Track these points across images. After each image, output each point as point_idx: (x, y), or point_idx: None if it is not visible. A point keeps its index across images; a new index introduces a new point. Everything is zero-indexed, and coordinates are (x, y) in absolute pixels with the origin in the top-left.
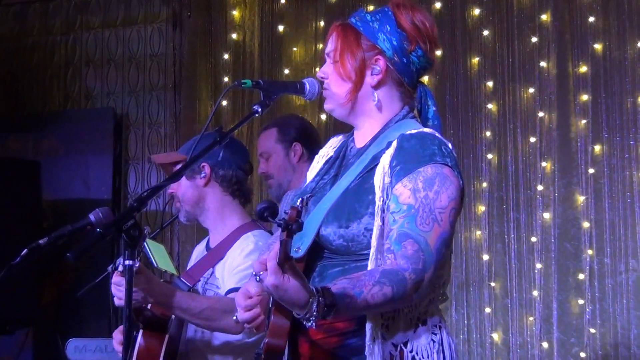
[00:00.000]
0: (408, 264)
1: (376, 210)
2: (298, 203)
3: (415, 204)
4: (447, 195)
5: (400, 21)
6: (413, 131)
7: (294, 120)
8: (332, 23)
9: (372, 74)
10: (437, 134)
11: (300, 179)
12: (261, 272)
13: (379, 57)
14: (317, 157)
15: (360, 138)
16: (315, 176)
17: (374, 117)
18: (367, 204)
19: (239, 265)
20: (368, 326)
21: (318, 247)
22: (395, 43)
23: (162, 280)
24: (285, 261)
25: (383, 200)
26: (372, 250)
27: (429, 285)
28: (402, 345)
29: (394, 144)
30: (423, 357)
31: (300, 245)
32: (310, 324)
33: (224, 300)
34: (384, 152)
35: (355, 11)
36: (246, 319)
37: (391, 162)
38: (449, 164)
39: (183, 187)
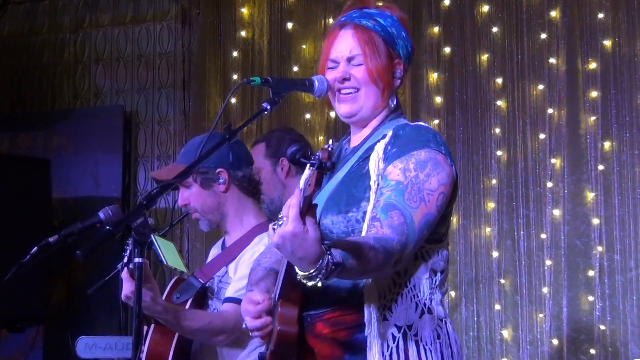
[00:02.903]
0: (394, 235)
1: (371, 195)
2: (328, 144)
3: (404, 181)
4: (437, 180)
5: (407, 30)
6: (410, 123)
7: (282, 134)
8: (343, 21)
9: (394, 78)
10: (430, 127)
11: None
12: (284, 217)
13: (399, 61)
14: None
15: (358, 138)
16: None
17: (379, 117)
18: (364, 189)
19: (243, 275)
20: (366, 305)
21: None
22: (409, 50)
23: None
24: (307, 210)
25: (377, 184)
26: (365, 226)
27: (404, 261)
28: (406, 328)
29: (390, 133)
30: (426, 345)
31: None
32: (314, 282)
33: (216, 322)
34: (379, 142)
35: (357, 10)
36: (257, 326)
37: (385, 148)
38: (443, 152)
39: (201, 198)
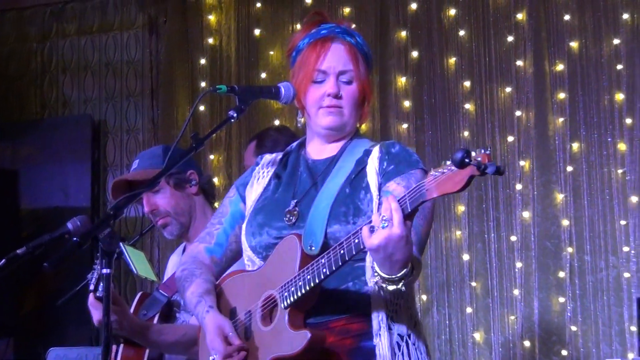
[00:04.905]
0: (415, 249)
1: (374, 207)
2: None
3: None
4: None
5: None
6: (389, 141)
7: (272, 132)
8: (328, 34)
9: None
10: None
11: None
12: (385, 217)
13: (371, 79)
14: (253, 176)
15: (317, 151)
16: (265, 191)
17: (351, 132)
18: (366, 202)
19: None
20: (374, 315)
21: (326, 246)
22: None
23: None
24: (408, 217)
25: (379, 197)
26: None
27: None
28: (407, 337)
29: (376, 149)
30: (421, 354)
31: (313, 243)
32: (396, 287)
33: (190, 333)
34: (368, 157)
35: (338, 26)
36: None
37: (381, 164)
38: (426, 170)
39: (174, 200)
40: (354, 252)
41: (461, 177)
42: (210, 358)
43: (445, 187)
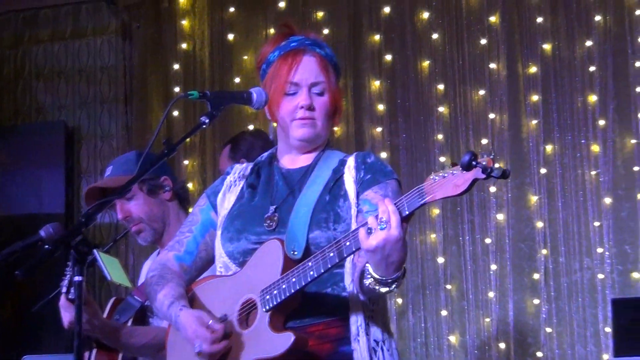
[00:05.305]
0: None
1: (353, 214)
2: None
3: None
4: None
5: None
6: (364, 152)
7: (247, 136)
8: (298, 46)
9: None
10: None
11: None
12: (384, 218)
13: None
14: (225, 185)
15: (290, 161)
16: (240, 199)
17: (323, 143)
18: (345, 209)
19: None
20: (352, 320)
21: (308, 251)
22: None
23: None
24: (405, 220)
25: (358, 206)
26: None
27: None
28: (382, 342)
29: (351, 159)
30: (394, 358)
31: (295, 248)
32: (389, 289)
33: (161, 335)
34: (344, 167)
35: (308, 38)
36: (216, 351)
37: (357, 173)
38: (400, 181)
39: (148, 206)
40: (345, 255)
41: (464, 180)
42: (196, 347)
43: (447, 190)
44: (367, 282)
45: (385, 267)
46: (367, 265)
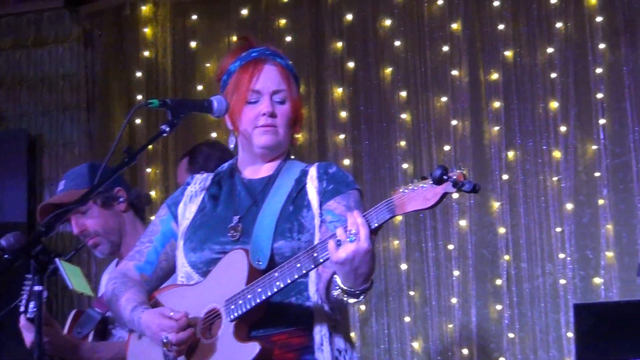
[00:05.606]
0: None
1: (316, 224)
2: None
3: None
4: None
5: None
6: (325, 162)
7: (204, 148)
8: (259, 56)
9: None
10: None
11: None
12: (354, 231)
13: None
14: (186, 195)
15: (252, 171)
16: (202, 209)
17: (284, 153)
18: (309, 219)
19: None
20: (317, 330)
21: (273, 261)
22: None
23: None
24: (373, 232)
25: (321, 216)
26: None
27: None
28: (344, 352)
29: (313, 169)
30: None
31: (260, 258)
32: (357, 300)
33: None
34: (306, 177)
35: (269, 49)
36: (182, 339)
37: (320, 183)
38: (361, 190)
39: (103, 219)
40: (312, 267)
41: (434, 193)
42: (163, 338)
43: (416, 203)
44: (335, 293)
45: (354, 278)
46: (335, 276)
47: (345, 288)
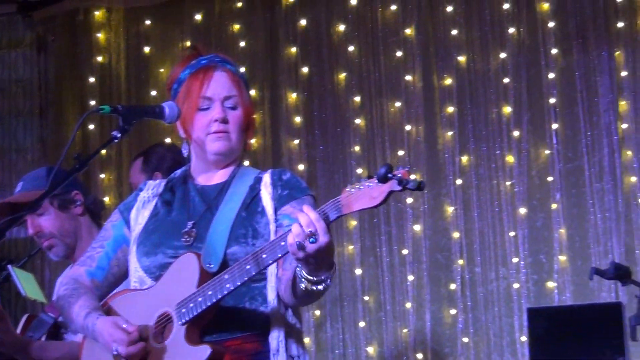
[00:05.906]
0: None
1: (272, 229)
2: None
3: None
4: None
5: None
6: (279, 169)
7: (158, 148)
8: (209, 63)
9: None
10: None
11: None
12: (311, 230)
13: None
14: (139, 200)
15: (205, 178)
16: (155, 214)
17: (237, 159)
18: (263, 224)
19: None
20: (273, 335)
21: (225, 265)
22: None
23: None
24: (328, 224)
25: (275, 220)
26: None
27: None
28: (296, 358)
29: (267, 176)
30: None
31: (212, 262)
32: (325, 285)
33: (75, 350)
34: (260, 184)
35: (218, 56)
36: (133, 352)
37: (274, 189)
38: (315, 196)
39: (59, 221)
40: (262, 268)
41: (380, 192)
42: (113, 349)
43: (363, 202)
44: (303, 285)
45: (320, 269)
46: (297, 270)
47: (312, 279)
